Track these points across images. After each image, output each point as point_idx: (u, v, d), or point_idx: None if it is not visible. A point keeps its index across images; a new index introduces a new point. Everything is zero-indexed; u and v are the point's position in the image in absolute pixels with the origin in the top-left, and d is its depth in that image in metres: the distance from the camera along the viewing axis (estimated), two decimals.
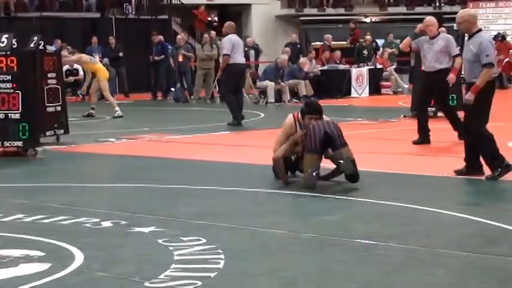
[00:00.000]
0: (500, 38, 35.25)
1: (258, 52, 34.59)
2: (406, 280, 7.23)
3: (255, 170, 13.14)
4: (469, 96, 11.59)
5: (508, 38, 36.38)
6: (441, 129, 16.71)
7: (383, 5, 43.29)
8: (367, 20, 43.60)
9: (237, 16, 41.89)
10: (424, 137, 16.15)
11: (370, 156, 13.98)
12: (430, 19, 16.50)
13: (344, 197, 11.04)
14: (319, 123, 11.64)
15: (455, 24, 15.64)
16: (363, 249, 8.29)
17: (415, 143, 16.06)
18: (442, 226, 9.23)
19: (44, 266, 7.62)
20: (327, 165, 12.02)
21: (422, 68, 16.57)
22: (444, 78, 15.90)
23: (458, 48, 16.36)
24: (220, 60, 23.02)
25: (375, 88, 31.83)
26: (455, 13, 15.74)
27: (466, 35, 13.53)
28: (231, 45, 20.48)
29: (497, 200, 11.01)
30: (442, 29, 17.77)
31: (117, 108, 23.80)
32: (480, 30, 12.15)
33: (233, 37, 21.19)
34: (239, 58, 21.02)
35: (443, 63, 16.09)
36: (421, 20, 16.19)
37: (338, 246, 8.49)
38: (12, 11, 34.16)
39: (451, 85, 16.16)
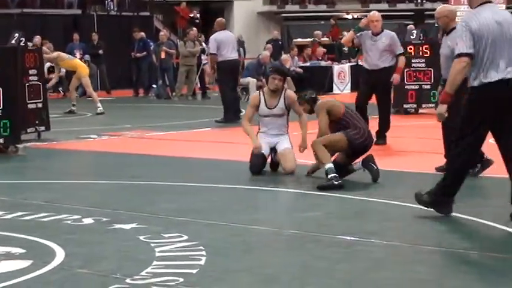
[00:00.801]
0: None
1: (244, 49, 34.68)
2: (388, 276, 7.25)
3: (237, 167, 13.13)
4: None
5: None
6: (422, 126, 16.77)
7: (365, 1, 43.36)
8: (349, 16, 43.71)
9: (219, 13, 41.75)
10: None
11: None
12: (375, 14, 15.93)
13: (325, 194, 11.05)
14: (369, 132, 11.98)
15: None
16: (345, 245, 8.32)
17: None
18: (423, 222, 9.25)
19: (25, 263, 7.61)
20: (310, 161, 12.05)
21: (365, 65, 15.96)
22: (388, 77, 15.48)
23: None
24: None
25: (357, 85, 31.88)
26: None
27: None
28: (216, 44, 20.44)
29: (477, 196, 11.03)
30: (383, 28, 16.57)
31: (99, 104, 23.76)
32: None
33: (219, 34, 21.13)
34: (228, 54, 20.88)
35: (387, 61, 15.60)
36: (402, 17, 15.88)
37: (319, 242, 8.51)
38: None
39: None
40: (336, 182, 11.12)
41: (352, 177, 11.87)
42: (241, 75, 27.60)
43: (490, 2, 9.50)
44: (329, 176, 11.17)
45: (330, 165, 11.25)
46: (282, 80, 12.63)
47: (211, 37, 21.35)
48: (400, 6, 41.63)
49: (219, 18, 22.24)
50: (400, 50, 15.74)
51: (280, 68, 13.48)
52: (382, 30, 15.61)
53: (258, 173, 12.46)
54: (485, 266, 7.57)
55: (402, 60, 15.79)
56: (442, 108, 9.30)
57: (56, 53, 24.88)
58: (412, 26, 30.96)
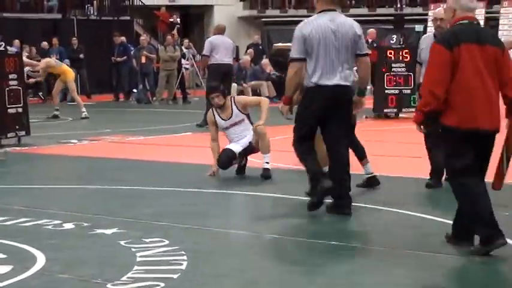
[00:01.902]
0: None
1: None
2: (368, 280, 7.30)
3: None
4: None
5: None
6: (404, 130, 16.82)
7: (344, 6, 43.42)
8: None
9: (199, 17, 41.99)
10: None
11: None
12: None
13: (305, 198, 11.07)
14: None
15: (416, 26, 14.26)
16: (325, 249, 8.36)
17: None
18: (403, 226, 9.29)
19: (5, 269, 7.60)
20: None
21: None
22: None
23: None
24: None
25: None
26: (417, 14, 14.57)
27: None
28: (210, 46, 20.49)
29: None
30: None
31: (83, 109, 23.83)
32: None
33: (216, 38, 21.23)
34: (221, 58, 20.88)
35: None
36: (382, 21, 15.48)
37: (299, 247, 8.56)
38: None
39: None
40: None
41: None
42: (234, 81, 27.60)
43: (333, 10, 9.82)
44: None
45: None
46: (221, 95, 12.75)
47: (207, 39, 21.49)
48: (379, 10, 41.72)
49: (220, 23, 22.37)
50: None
51: (213, 86, 13.56)
52: None
53: (226, 169, 12.62)
54: (466, 270, 7.62)
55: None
56: (284, 108, 9.99)
57: (44, 62, 24.99)
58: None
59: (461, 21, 7.89)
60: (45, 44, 32.08)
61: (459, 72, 7.62)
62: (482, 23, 40.03)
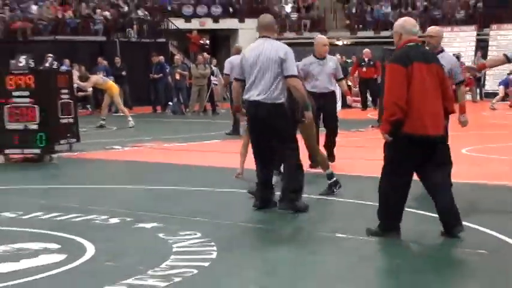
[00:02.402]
0: (456, 58, 35.49)
1: None
2: (373, 267, 7.31)
3: (244, 173, 13.14)
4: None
5: (462, 59, 36.60)
6: None
7: (353, 29, 43.40)
8: (339, 43, 43.64)
9: (226, 40, 41.93)
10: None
11: (348, 161, 14.05)
12: (322, 39, 14.36)
13: (316, 197, 11.06)
14: None
15: None
16: (335, 242, 8.35)
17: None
18: (405, 222, 9.25)
19: (60, 257, 7.65)
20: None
21: (311, 88, 13.37)
22: (335, 100, 14.44)
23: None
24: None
25: (345, 103, 31.84)
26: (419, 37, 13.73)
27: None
28: (230, 66, 20.45)
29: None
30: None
31: (130, 118, 24.02)
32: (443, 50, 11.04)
33: (235, 58, 21.17)
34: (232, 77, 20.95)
35: (333, 85, 14.05)
36: (387, 43, 14.94)
37: (315, 239, 8.55)
38: (29, 35, 34.14)
39: None
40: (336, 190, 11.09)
41: (347, 183, 11.84)
42: None
43: (267, 37, 9.91)
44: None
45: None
46: None
47: (226, 60, 21.46)
48: (384, 33, 41.55)
49: (237, 45, 22.44)
50: (341, 75, 14.38)
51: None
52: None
53: None
54: (460, 262, 7.61)
55: (344, 83, 15.03)
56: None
57: (92, 80, 25.32)
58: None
59: (408, 44, 8.07)
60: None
61: (411, 86, 7.78)
62: (473, 44, 40.05)
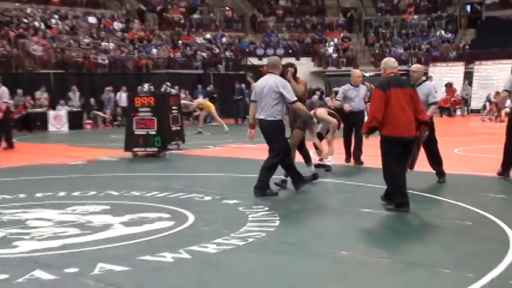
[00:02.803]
0: (449, 85, 35.35)
1: None
2: (391, 231, 7.23)
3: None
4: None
5: (454, 85, 36.29)
6: None
7: (376, 64, 43.02)
8: (367, 74, 43.34)
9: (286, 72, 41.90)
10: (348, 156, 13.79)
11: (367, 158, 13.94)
12: (357, 72, 14.13)
13: (343, 182, 10.98)
14: None
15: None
16: (366, 215, 8.30)
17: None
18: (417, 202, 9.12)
19: (170, 223, 7.71)
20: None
21: (348, 108, 13.37)
22: (363, 116, 13.38)
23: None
24: None
25: None
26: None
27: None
28: None
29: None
30: None
31: (225, 126, 24.20)
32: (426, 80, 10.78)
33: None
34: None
35: (362, 105, 13.63)
36: (400, 75, 14.14)
37: (353, 213, 8.48)
38: (150, 69, 34.53)
39: None
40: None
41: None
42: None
43: (273, 73, 9.74)
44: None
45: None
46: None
47: None
48: (403, 67, 41.03)
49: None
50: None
51: (311, 90, 13.79)
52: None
53: None
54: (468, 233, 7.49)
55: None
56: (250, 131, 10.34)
57: (196, 102, 25.91)
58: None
59: (390, 74, 8.48)
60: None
61: (390, 105, 8.18)
62: (462, 75, 39.54)
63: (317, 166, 12.73)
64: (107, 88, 31.12)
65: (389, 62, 8.71)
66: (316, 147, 12.95)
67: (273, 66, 9.86)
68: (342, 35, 44.48)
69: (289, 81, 10.07)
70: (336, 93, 25.23)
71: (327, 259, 6.14)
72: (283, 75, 9.99)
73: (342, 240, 6.94)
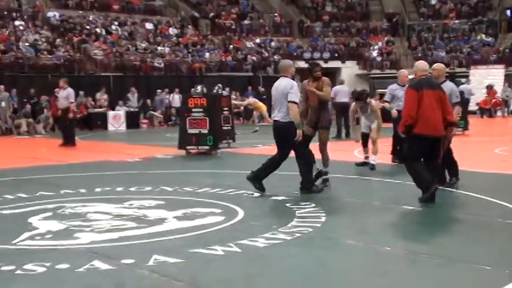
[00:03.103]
0: (489, 87, 34.85)
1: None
2: (425, 221, 7.11)
3: (338, 165, 12.95)
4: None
5: (495, 87, 35.78)
6: None
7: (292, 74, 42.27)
8: (410, 76, 42.80)
9: (332, 75, 41.65)
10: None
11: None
12: (404, 72, 13.78)
13: (388, 180, 10.85)
14: None
15: (462, 79, 12.14)
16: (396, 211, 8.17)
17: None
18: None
19: (221, 218, 7.71)
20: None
21: (396, 107, 12.85)
22: None
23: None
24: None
25: None
26: (463, 72, 12.77)
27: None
28: (335, 92, 20.57)
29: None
30: None
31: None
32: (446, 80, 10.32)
33: (338, 87, 21.90)
34: (340, 98, 21.03)
35: None
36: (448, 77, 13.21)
37: (396, 210, 8.38)
38: (203, 72, 34.67)
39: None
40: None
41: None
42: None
43: (285, 76, 9.57)
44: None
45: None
46: (364, 101, 12.77)
47: (333, 88, 21.71)
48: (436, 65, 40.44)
49: (340, 78, 22.89)
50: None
51: (359, 95, 13.46)
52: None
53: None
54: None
55: None
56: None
57: (247, 101, 26.02)
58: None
59: (421, 77, 8.69)
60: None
61: (421, 104, 8.34)
62: (502, 78, 38.84)
63: (360, 164, 12.63)
64: (159, 90, 31.42)
65: (420, 65, 8.85)
66: (364, 145, 12.81)
67: (284, 70, 9.72)
68: (385, 39, 44.06)
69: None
70: (381, 95, 25.00)
71: (370, 255, 6.06)
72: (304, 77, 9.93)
73: (385, 236, 6.85)
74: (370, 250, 6.22)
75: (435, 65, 10.64)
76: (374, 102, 13.10)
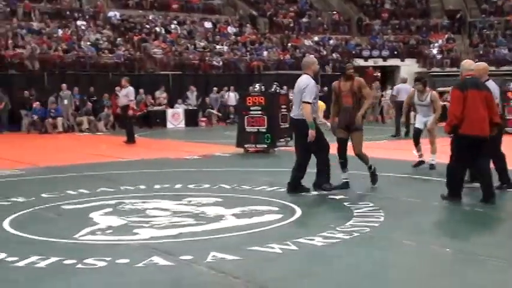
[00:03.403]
0: None
1: None
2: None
3: (396, 164, 12.81)
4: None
5: None
6: None
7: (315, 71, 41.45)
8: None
9: (391, 73, 41.20)
10: None
11: None
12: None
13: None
14: None
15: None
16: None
17: None
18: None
19: (278, 216, 7.72)
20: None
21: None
22: None
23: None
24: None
25: None
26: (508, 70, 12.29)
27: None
28: (397, 90, 20.54)
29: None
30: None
31: (328, 124, 23.92)
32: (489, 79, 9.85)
33: (400, 85, 21.93)
34: (402, 97, 20.83)
35: None
36: (505, 75, 13.25)
37: (455, 210, 8.23)
38: (261, 70, 34.73)
39: None
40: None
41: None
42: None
43: (306, 73, 9.45)
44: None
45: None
46: (421, 85, 12.55)
47: (395, 86, 21.95)
48: (503, 68, 39.58)
49: (402, 76, 22.75)
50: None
51: (419, 77, 13.24)
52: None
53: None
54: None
55: None
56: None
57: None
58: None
59: (467, 77, 8.61)
60: None
61: (467, 104, 8.30)
62: None
63: (416, 165, 12.35)
64: (215, 88, 31.60)
65: (466, 64, 8.80)
66: (416, 143, 12.57)
67: (306, 67, 9.63)
68: (446, 36, 43.33)
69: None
70: (441, 93, 24.55)
71: (428, 255, 5.97)
72: (316, 74, 9.63)
73: (444, 237, 6.75)
74: (429, 251, 6.12)
75: (475, 65, 10.34)
76: (434, 93, 12.80)
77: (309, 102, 9.20)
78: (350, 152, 10.12)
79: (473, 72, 8.82)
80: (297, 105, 9.42)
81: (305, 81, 9.36)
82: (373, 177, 10.10)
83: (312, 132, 9.17)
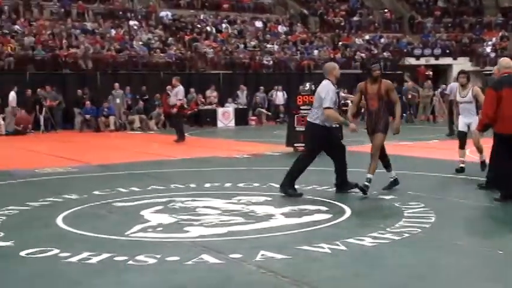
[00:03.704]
0: None
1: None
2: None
3: (440, 163, 12.63)
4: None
5: None
6: None
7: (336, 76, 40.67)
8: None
9: (444, 71, 40.65)
10: None
11: None
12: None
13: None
14: None
15: None
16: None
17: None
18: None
19: (328, 216, 7.69)
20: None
21: None
22: None
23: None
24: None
25: None
26: None
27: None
28: (450, 89, 20.34)
29: None
30: None
31: None
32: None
33: (453, 84, 21.23)
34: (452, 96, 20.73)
35: None
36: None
37: (509, 211, 8.08)
38: (311, 69, 34.64)
39: None
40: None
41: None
42: None
43: (327, 79, 9.45)
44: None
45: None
46: (467, 78, 11.94)
47: (449, 85, 21.71)
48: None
49: (455, 75, 22.38)
50: None
51: (464, 70, 12.83)
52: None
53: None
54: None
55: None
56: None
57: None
58: None
59: (503, 75, 8.53)
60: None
61: (502, 103, 8.23)
62: None
63: (459, 171, 11.78)
64: (262, 88, 31.62)
65: (503, 62, 8.69)
66: (461, 147, 12.06)
67: (327, 72, 9.59)
68: (500, 34, 42.52)
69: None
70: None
71: (480, 257, 5.88)
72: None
73: (496, 239, 6.62)
74: (481, 252, 6.03)
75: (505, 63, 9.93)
76: (476, 88, 12.10)
77: (330, 108, 9.17)
78: (389, 151, 10.01)
79: (510, 70, 8.60)
80: (314, 109, 9.47)
81: (324, 87, 9.35)
82: (361, 188, 9.13)
83: (351, 125, 9.27)
